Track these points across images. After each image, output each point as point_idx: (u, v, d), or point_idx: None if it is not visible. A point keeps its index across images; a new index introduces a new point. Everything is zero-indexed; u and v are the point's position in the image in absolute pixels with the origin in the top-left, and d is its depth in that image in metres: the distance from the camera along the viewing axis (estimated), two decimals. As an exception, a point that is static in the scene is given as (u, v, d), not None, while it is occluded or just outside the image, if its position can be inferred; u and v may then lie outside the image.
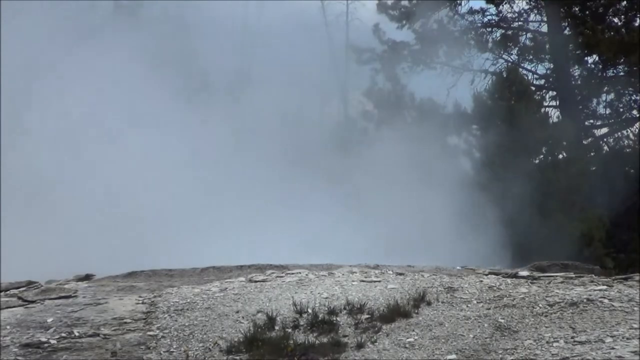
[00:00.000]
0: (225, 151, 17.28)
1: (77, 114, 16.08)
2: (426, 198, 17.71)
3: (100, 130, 16.09)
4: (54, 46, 16.58)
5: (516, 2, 25.27)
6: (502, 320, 8.12)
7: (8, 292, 9.44)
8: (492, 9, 25.24)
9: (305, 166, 17.92)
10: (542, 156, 18.98)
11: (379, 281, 9.44)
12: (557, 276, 9.60)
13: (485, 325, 8.04)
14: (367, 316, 8.32)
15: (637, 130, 23.41)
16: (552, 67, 24.83)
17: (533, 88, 22.44)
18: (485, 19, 25.32)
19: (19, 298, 9.23)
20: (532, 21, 25.46)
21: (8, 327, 8.31)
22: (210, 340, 8.01)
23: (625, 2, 23.66)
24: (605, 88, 24.41)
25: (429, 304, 8.61)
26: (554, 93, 25.02)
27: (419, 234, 16.83)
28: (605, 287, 9.02)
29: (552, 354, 7.29)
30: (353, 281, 9.46)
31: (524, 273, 9.86)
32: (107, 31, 17.72)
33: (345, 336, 7.95)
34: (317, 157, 18.70)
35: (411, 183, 17.99)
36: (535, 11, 25.26)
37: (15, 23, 16.12)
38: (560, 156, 19.11)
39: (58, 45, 16.67)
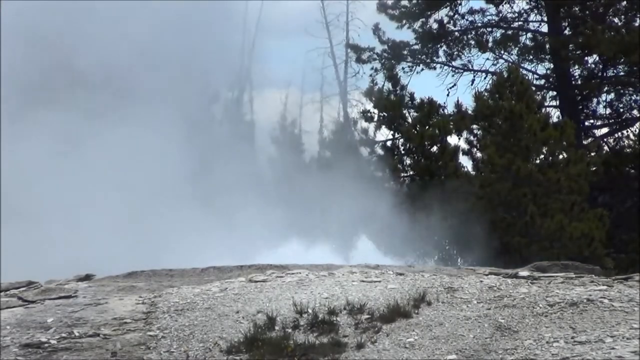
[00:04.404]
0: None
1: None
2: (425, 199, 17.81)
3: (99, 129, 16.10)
4: None
5: (516, 2, 25.33)
6: (502, 321, 8.12)
7: (8, 292, 9.44)
8: (492, 9, 25.29)
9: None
10: (542, 156, 18.97)
11: (379, 281, 9.43)
12: (557, 276, 9.60)
13: (486, 325, 8.04)
14: (367, 316, 8.31)
15: (637, 130, 23.42)
16: (552, 67, 24.85)
17: (533, 88, 22.43)
18: (485, 19, 25.37)
19: (19, 298, 9.23)
20: (532, 21, 25.53)
21: (8, 327, 8.31)
22: (211, 340, 8.01)
23: (625, 2, 23.67)
24: (605, 88, 24.43)
25: (429, 304, 8.61)
26: (554, 93, 25.05)
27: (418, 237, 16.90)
28: (605, 287, 9.02)
29: (552, 354, 7.29)
30: (353, 281, 9.46)
31: (524, 273, 9.86)
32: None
33: (345, 336, 7.95)
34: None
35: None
36: (535, 11, 25.29)
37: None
38: (560, 156, 19.09)
39: None
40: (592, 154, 21.32)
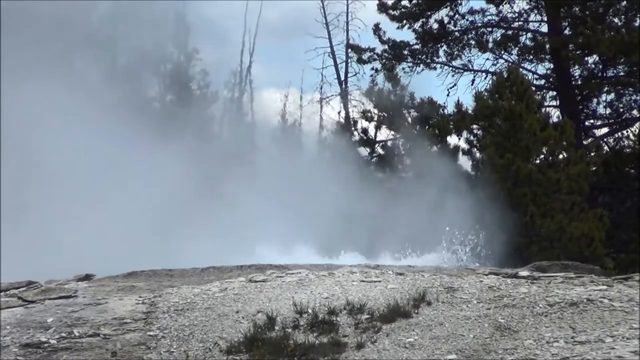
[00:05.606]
0: None
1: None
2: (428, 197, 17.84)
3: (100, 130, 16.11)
4: None
5: (516, 2, 25.33)
6: (502, 320, 8.12)
7: (8, 292, 9.45)
8: (492, 9, 25.30)
9: None
10: (542, 156, 18.97)
11: (379, 281, 9.44)
12: (557, 276, 9.60)
13: (485, 325, 8.04)
14: (367, 316, 8.31)
15: (637, 130, 23.43)
16: (552, 67, 24.85)
17: (533, 88, 22.44)
18: (486, 19, 25.37)
19: (19, 298, 9.24)
20: (532, 21, 25.52)
21: (8, 327, 8.31)
22: (211, 340, 8.01)
23: (625, 2, 23.67)
24: (605, 88, 24.43)
25: (429, 304, 8.62)
26: (554, 93, 25.05)
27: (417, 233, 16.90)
28: (605, 287, 9.02)
29: (552, 354, 7.29)
30: (353, 281, 9.46)
31: (524, 273, 9.87)
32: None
33: (345, 336, 7.95)
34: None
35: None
36: (535, 11, 25.29)
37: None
38: (560, 156, 19.09)
39: None
40: (592, 154, 21.34)
